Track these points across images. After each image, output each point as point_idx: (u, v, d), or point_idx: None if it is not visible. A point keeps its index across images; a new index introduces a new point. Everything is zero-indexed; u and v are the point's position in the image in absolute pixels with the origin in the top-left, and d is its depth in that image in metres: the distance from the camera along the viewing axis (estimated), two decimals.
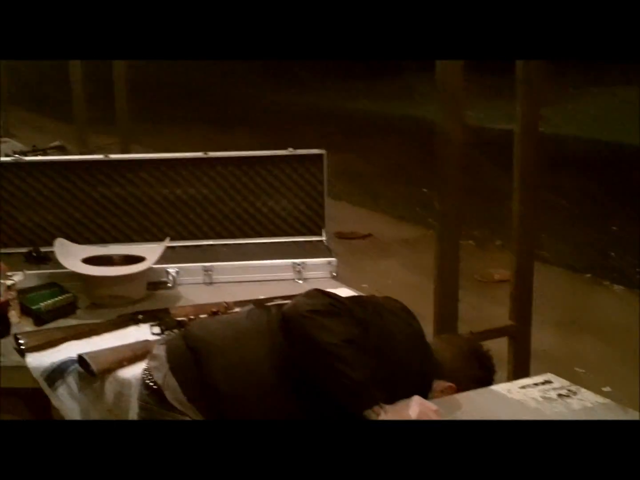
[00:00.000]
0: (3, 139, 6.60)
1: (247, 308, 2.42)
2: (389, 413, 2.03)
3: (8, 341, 2.66)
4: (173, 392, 2.13)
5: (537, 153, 3.07)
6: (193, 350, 2.18)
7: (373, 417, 2.02)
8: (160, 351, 2.24)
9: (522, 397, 2.25)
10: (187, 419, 2.09)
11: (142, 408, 2.21)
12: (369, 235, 7.36)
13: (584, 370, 4.57)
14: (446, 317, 2.93)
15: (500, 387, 2.33)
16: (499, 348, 3.78)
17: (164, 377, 2.16)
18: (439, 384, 2.30)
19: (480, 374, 2.37)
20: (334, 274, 3.37)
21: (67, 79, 6.55)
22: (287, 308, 2.08)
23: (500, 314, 3.76)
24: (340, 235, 6.77)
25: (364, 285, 4.78)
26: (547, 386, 2.30)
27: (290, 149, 3.62)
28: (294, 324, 2.05)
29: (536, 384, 2.32)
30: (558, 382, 2.34)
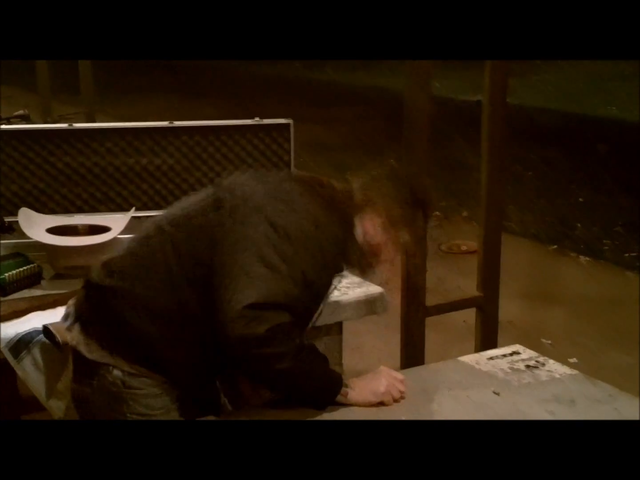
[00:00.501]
0: None
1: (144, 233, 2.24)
2: (357, 390, 2.05)
3: None
4: (88, 346, 2.10)
5: (505, 124, 3.06)
6: (96, 300, 2.13)
7: (343, 401, 2.03)
8: (70, 309, 2.21)
9: (490, 368, 2.26)
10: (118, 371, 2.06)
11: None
12: None
13: (550, 341, 4.61)
14: (414, 288, 2.93)
15: (468, 358, 2.34)
16: (466, 319, 3.81)
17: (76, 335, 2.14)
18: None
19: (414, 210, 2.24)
20: None
21: None
22: (232, 344, 1.94)
23: (466, 285, 3.78)
24: None
25: None
26: (515, 357, 2.32)
27: (257, 119, 3.59)
28: (243, 362, 2.00)
29: (504, 355, 2.34)
30: (526, 353, 2.35)
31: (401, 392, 2.12)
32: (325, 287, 2.15)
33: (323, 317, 2.71)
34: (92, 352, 2.08)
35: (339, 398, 2.05)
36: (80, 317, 2.14)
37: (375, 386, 2.09)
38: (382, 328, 4.22)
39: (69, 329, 2.17)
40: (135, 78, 15.78)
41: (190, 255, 2.05)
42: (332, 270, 2.15)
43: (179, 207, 2.22)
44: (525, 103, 11.23)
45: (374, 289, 2.92)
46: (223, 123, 3.58)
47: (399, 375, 2.16)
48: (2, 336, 2.53)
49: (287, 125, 3.58)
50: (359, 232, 2.16)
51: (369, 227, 2.17)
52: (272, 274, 1.94)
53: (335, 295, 2.83)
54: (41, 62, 5.69)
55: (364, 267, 2.22)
